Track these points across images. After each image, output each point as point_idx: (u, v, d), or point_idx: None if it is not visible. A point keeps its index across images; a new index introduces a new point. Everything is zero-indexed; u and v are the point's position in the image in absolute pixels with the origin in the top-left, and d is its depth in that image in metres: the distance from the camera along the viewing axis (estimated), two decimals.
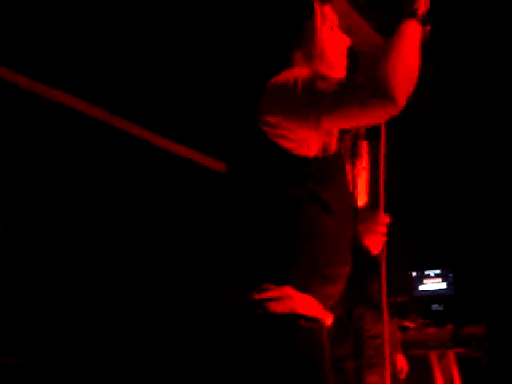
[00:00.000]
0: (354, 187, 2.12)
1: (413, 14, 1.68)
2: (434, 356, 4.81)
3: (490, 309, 5.31)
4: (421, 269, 5.91)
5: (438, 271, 5.86)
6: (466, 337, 4.87)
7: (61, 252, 3.71)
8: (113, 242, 3.90)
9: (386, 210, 4.52)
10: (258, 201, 1.69)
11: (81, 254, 3.80)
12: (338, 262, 1.71)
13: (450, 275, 5.79)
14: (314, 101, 1.58)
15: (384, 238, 2.80)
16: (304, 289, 1.61)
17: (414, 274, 5.94)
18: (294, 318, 1.56)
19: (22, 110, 3.60)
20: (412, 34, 1.65)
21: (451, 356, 4.86)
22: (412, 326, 4.79)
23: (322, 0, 1.85)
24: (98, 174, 3.92)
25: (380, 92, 1.54)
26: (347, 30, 1.90)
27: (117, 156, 4.04)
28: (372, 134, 2.20)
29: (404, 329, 4.75)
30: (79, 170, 3.86)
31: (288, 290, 1.59)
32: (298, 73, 1.67)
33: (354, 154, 2.11)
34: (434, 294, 5.79)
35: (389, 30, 1.68)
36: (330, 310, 1.71)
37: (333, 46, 1.85)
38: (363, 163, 2.18)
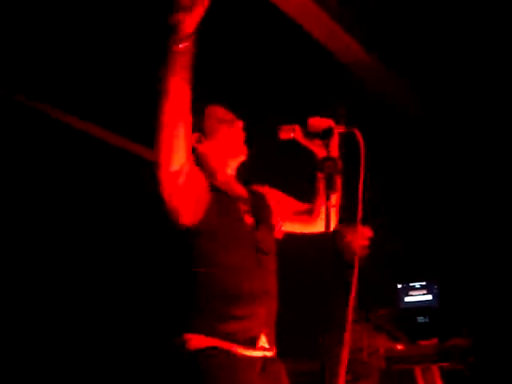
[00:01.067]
0: (328, 219, 2.14)
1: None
2: (418, 371, 4.77)
3: (475, 321, 5.28)
4: (406, 281, 5.87)
5: (423, 283, 5.83)
6: (451, 350, 4.83)
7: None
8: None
9: (369, 224, 4.49)
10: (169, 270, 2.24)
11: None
12: (240, 303, 2.15)
13: (435, 287, 5.76)
14: None
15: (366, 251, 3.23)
16: (208, 332, 2.11)
17: (400, 285, 5.90)
18: (196, 353, 2.09)
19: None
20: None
21: (435, 369, 4.83)
22: (401, 348, 4.75)
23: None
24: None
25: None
26: None
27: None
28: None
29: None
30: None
31: (194, 335, 2.11)
32: None
33: (330, 187, 2.16)
34: (420, 306, 5.75)
35: None
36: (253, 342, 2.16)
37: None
38: (336, 197, 2.27)
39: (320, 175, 2.39)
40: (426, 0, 4.44)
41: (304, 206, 2.60)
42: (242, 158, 2.40)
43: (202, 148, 2.33)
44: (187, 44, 1.86)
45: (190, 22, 1.82)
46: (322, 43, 4.49)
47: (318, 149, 2.36)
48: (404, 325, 5.03)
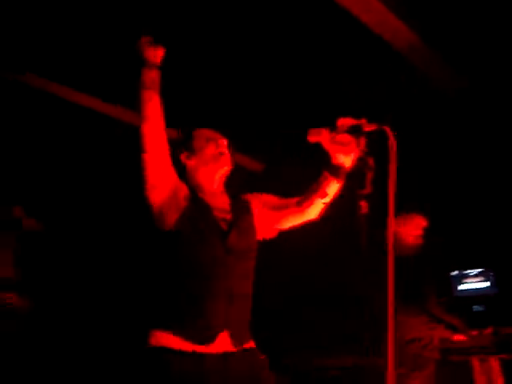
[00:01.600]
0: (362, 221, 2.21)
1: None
2: (475, 362, 4.61)
3: None
4: (460, 268, 5.70)
5: (478, 270, 5.65)
6: (509, 339, 4.66)
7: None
8: None
9: (423, 213, 4.37)
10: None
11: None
12: (201, 302, 2.37)
13: (492, 274, 5.57)
14: None
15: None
16: (170, 328, 2.35)
17: (453, 273, 5.73)
18: (156, 350, 2.34)
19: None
20: None
21: (494, 361, 4.66)
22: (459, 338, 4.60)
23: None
24: None
25: None
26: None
27: None
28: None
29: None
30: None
31: (158, 331, 2.37)
32: None
33: (362, 185, 2.19)
34: (475, 294, 5.57)
35: None
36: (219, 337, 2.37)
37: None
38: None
39: (326, 174, 2.48)
40: None
41: (291, 200, 2.70)
42: (226, 172, 2.65)
43: (190, 164, 2.63)
44: (154, 72, 2.37)
45: (154, 54, 2.36)
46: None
47: (337, 153, 2.41)
48: (458, 314, 4.86)
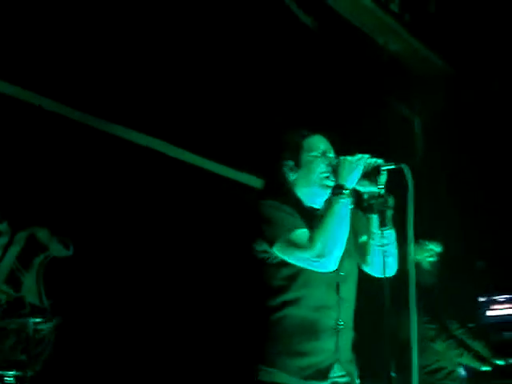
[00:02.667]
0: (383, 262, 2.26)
1: (339, 192, 2.25)
2: None
3: None
4: (489, 293, 5.55)
5: (508, 295, 5.49)
6: None
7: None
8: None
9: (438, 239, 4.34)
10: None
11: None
12: (312, 339, 2.30)
13: None
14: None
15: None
16: (278, 367, 2.30)
17: (482, 299, 5.58)
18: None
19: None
20: (338, 211, 2.24)
21: None
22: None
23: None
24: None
25: (313, 259, 2.22)
26: None
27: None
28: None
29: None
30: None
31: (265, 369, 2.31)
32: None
33: (383, 224, 2.27)
34: (505, 320, 5.41)
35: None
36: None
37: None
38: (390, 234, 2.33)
39: (367, 213, 2.39)
40: None
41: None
42: (326, 192, 2.41)
43: (293, 177, 2.46)
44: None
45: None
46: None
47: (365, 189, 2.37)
48: (487, 341, 4.71)
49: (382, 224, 2.25)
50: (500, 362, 4.47)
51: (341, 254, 2.27)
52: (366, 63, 5.00)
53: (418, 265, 4.32)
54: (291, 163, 2.45)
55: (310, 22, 4.63)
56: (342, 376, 2.35)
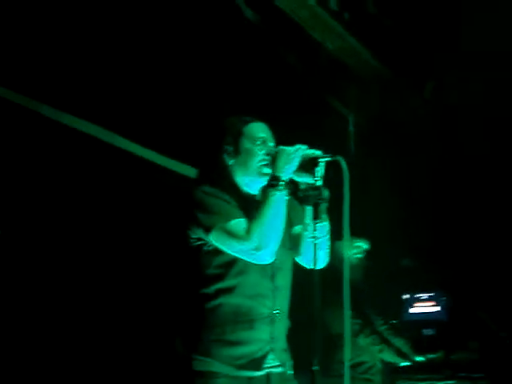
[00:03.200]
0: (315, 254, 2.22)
1: (275, 186, 2.26)
2: None
3: (484, 334, 5.10)
4: (412, 291, 5.69)
5: (430, 294, 5.64)
6: (457, 365, 4.66)
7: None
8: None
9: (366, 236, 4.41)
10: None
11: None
12: (246, 328, 2.29)
13: (443, 299, 5.57)
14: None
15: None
16: (212, 356, 2.27)
17: (405, 296, 5.72)
18: (195, 373, 2.27)
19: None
20: (274, 204, 2.25)
21: None
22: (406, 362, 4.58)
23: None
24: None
25: (250, 251, 2.22)
26: None
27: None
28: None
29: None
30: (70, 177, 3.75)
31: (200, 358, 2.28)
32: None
33: (316, 216, 2.25)
34: (426, 318, 5.56)
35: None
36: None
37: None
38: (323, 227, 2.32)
39: (303, 204, 2.41)
40: None
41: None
42: (264, 180, 2.41)
43: (231, 163, 2.44)
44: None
45: None
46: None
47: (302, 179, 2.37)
48: (409, 337, 4.84)
49: (316, 216, 2.24)
50: (419, 359, 4.60)
51: (277, 247, 2.27)
52: (305, 58, 5.05)
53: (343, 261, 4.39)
54: (230, 149, 2.43)
55: (251, 15, 4.64)
56: (277, 366, 2.35)
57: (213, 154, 2.48)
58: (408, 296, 5.69)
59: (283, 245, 2.38)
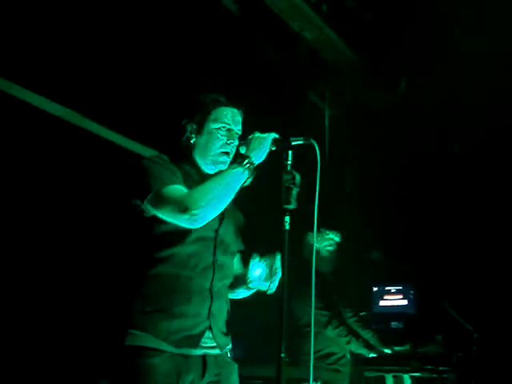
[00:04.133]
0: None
1: (241, 162, 2.23)
2: (389, 379, 4.64)
3: (451, 330, 5.16)
4: (382, 284, 5.74)
5: (399, 287, 5.70)
6: (423, 358, 4.70)
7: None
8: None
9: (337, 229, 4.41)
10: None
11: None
12: (184, 300, 2.21)
13: (411, 292, 5.63)
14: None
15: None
16: (146, 329, 2.17)
17: (375, 288, 5.77)
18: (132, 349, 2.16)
19: None
20: (228, 176, 2.22)
21: (407, 378, 4.69)
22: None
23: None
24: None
25: (180, 213, 2.14)
26: None
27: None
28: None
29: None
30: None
31: (136, 332, 2.18)
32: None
33: (287, 201, 2.20)
34: (394, 311, 5.62)
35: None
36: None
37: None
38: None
39: None
40: None
41: None
42: (218, 167, 2.40)
43: (192, 141, 2.40)
44: None
45: None
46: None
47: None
48: (377, 329, 4.89)
49: (287, 201, 2.20)
50: (387, 351, 4.64)
51: (213, 216, 2.20)
52: (282, 50, 5.04)
53: (316, 252, 4.41)
54: (194, 126, 2.40)
55: (229, 3, 4.62)
56: (213, 347, 2.27)
57: (179, 127, 2.44)
58: (377, 289, 5.75)
59: (234, 225, 2.42)
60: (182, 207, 2.13)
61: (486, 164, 5.60)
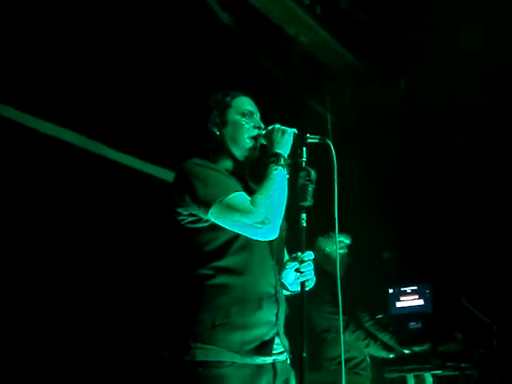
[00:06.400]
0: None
1: (276, 160, 2.18)
2: (411, 379, 4.59)
3: (469, 326, 5.10)
4: (397, 285, 5.69)
5: (414, 287, 5.64)
6: (444, 356, 4.66)
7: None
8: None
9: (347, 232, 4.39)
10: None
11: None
12: (255, 309, 2.14)
13: (427, 291, 5.57)
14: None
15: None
16: (216, 343, 2.06)
17: (391, 290, 5.72)
18: (196, 364, 2.05)
19: None
20: (277, 178, 2.15)
21: (429, 377, 4.65)
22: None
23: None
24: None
25: (257, 225, 2.07)
26: None
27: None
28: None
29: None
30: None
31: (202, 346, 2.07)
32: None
33: (303, 198, 2.19)
34: (411, 311, 5.56)
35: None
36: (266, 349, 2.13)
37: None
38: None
39: None
40: None
41: None
42: (250, 155, 2.36)
43: (220, 136, 2.36)
44: None
45: None
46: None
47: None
48: (396, 331, 4.84)
49: (302, 199, 2.17)
50: (406, 351, 4.59)
51: (280, 223, 2.15)
52: (281, 57, 5.04)
53: (328, 257, 4.37)
54: (217, 120, 2.36)
55: (225, 17, 4.63)
56: (281, 353, 2.22)
57: (202, 128, 2.39)
58: (392, 290, 5.69)
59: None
60: (259, 220, 2.08)
61: (495, 153, 5.56)
